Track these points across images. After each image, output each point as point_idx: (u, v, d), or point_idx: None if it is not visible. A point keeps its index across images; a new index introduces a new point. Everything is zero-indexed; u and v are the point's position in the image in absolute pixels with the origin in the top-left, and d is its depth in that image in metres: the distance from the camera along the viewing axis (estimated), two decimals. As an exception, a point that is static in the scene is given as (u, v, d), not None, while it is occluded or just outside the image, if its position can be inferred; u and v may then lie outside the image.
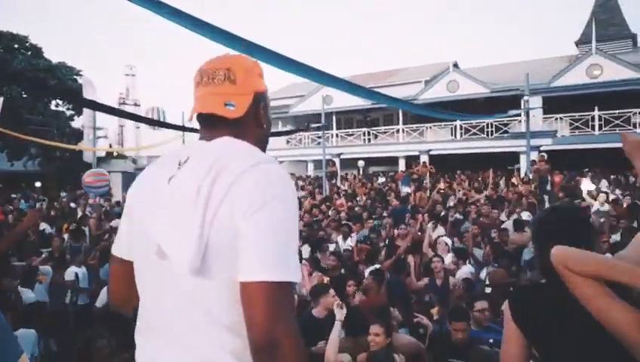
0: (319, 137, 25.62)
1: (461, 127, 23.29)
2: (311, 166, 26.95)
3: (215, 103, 1.26)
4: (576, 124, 20.78)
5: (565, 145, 20.24)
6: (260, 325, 1.01)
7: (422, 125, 24.30)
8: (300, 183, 21.32)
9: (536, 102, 19.86)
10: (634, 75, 19.51)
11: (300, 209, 12.67)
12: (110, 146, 33.34)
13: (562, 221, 1.93)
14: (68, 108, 27.12)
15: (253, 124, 1.32)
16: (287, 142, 27.83)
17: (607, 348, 1.73)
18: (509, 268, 6.03)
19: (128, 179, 24.04)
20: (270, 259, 1.05)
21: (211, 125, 1.28)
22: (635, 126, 19.87)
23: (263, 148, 1.34)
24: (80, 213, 12.55)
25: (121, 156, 26.15)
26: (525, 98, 18.07)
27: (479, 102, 22.54)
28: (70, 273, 6.43)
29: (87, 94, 17.77)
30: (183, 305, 1.13)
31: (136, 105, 51.43)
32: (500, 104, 20.72)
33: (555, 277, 1.85)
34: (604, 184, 16.24)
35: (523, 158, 20.55)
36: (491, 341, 3.86)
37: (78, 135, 29.71)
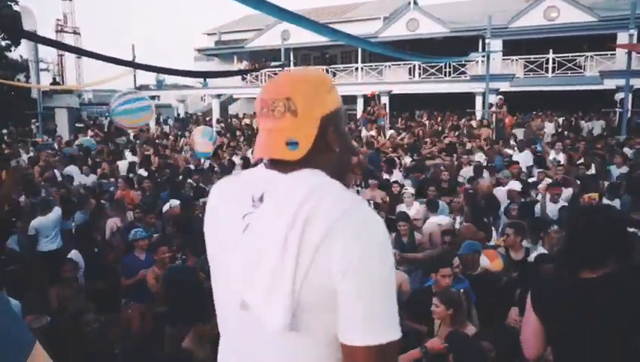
0: (275, 74, 24.87)
1: (420, 66, 23.20)
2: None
3: (275, 145, 1.13)
4: (531, 67, 21.10)
5: (522, 87, 20.60)
6: None
7: (381, 64, 24.03)
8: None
9: (496, 44, 19.92)
10: (590, 19, 19.78)
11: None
12: (54, 80, 31.34)
13: (601, 231, 1.92)
14: (3, 38, 25.01)
15: (323, 149, 1.17)
16: (243, 79, 26.98)
17: (621, 350, 1.82)
18: (480, 221, 6.14)
19: (74, 115, 22.87)
20: (376, 321, 1.00)
21: (277, 162, 1.15)
22: (584, 69, 20.38)
23: (343, 171, 1.22)
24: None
25: (65, 91, 24.61)
26: (487, 41, 18.04)
27: (438, 41, 22.41)
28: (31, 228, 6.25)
29: (27, 25, 16.37)
30: (270, 360, 1.09)
31: (75, 33, 47.94)
32: (460, 44, 20.67)
33: (582, 278, 1.91)
34: (549, 127, 16.75)
35: (479, 100, 20.86)
36: (462, 291, 4.07)
37: (14, 66, 27.66)
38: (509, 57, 21.43)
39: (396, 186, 7.66)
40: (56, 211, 6.47)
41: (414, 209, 6.86)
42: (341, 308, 1.01)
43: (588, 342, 1.88)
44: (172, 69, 8.18)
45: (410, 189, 7.44)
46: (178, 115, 29.09)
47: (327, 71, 25.71)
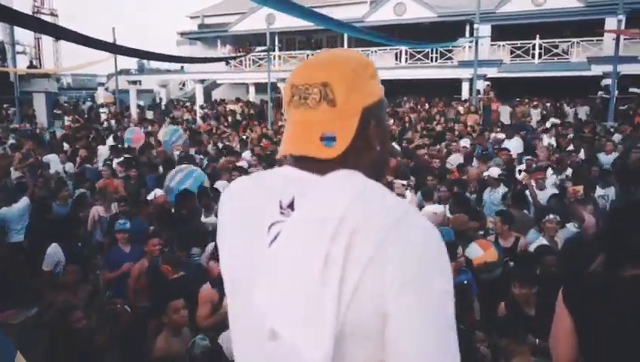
0: (261, 59, 24.55)
1: (406, 52, 22.99)
2: (252, 89, 25.97)
3: (308, 140, 0.97)
4: (518, 52, 21.03)
5: (509, 73, 20.54)
6: None
7: (367, 49, 23.74)
8: (240, 107, 20.64)
9: (484, 30, 19.77)
10: (577, 5, 19.72)
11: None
12: (31, 63, 30.47)
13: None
14: (-24, 20, 24.12)
15: (363, 147, 1.00)
16: (227, 63, 26.48)
17: None
18: (469, 210, 6.01)
19: (52, 100, 22.24)
20: (433, 352, 0.86)
21: (306, 160, 0.98)
22: (571, 55, 20.37)
23: (380, 173, 1.06)
24: None
25: (43, 75, 23.93)
26: (476, 26, 17.88)
27: (426, 26, 22.20)
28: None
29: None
30: None
31: (53, 14, 46.69)
32: (447, 29, 20.50)
33: (616, 273, 1.78)
34: (534, 113, 16.75)
35: (465, 86, 20.76)
36: (465, 282, 4.13)
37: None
38: (496, 43, 21.32)
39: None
40: (24, 201, 6.18)
41: (407, 198, 6.71)
42: (393, 334, 0.86)
43: (630, 349, 1.72)
44: (156, 53, 7.87)
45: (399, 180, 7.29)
46: (160, 100, 28.48)
47: (312, 56, 25.35)
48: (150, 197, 6.64)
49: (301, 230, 0.89)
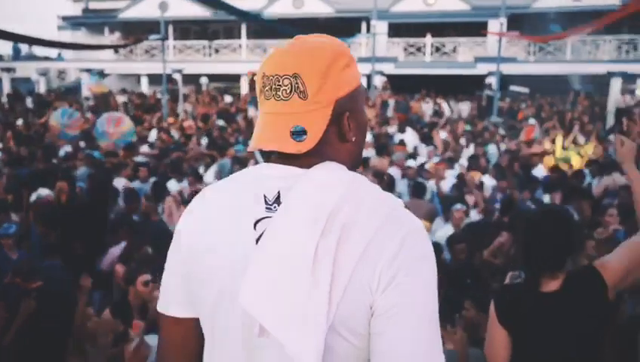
0: (154, 48, 23.28)
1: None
2: (145, 81, 24.56)
3: (278, 134, 0.94)
4: (411, 50, 21.97)
5: (404, 69, 21.37)
6: None
7: (266, 41, 23.50)
8: (127, 99, 19.39)
9: (381, 27, 20.38)
10: (463, 7, 21.01)
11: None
12: None
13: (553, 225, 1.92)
14: None
15: (336, 140, 0.98)
16: (116, 52, 24.81)
17: (581, 340, 1.86)
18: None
19: None
20: (422, 345, 0.85)
21: (282, 155, 0.96)
22: (457, 53, 21.69)
23: (356, 164, 1.04)
24: None
25: None
26: (373, 23, 18.37)
27: (323, 21, 22.41)
28: None
29: None
30: None
31: None
32: (345, 25, 20.87)
33: (535, 275, 1.91)
34: (427, 108, 17.61)
35: (362, 82, 21.19)
36: None
37: None
38: (392, 39, 22.09)
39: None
40: None
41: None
42: (381, 327, 0.86)
43: (553, 356, 1.88)
44: (37, 38, 7.04)
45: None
46: (38, 91, 25.90)
47: (210, 47, 24.62)
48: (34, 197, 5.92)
49: (289, 225, 0.87)
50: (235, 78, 24.31)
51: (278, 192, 0.93)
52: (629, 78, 19.00)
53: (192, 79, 23.16)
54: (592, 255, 3.48)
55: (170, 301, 1.04)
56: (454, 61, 21.44)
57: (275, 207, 0.92)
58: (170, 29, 24.10)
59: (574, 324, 1.85)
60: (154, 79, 22.49)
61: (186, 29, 26.69)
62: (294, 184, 0.91)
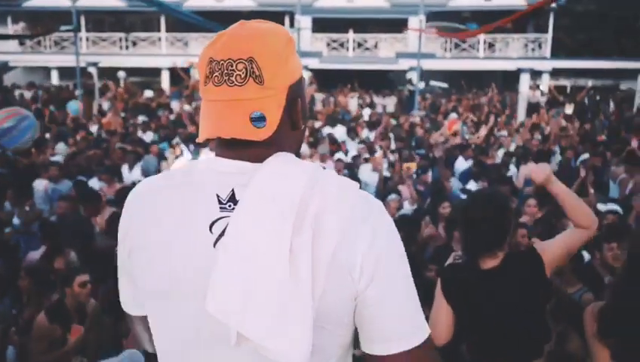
0: (65, 40, 21.88)
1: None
2: (55, 74, 23.01)
3: (236, 121, 0.88)
4: (334, 45, 22.20)
5: (329, 64, 21.53)
6: None
7: (187, 34, 22.80)
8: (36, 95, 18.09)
9: (306, 21, 20.39)
10: (383, 4, 21.51)
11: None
12: None
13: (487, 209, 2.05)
14: None
15: (289, 127, 0.95)
16: (22, 44, 23.05)
17: (521, 314, 1.99)
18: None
19: None
20: (407, 323, 0.89)
21: (233, 144, 0.91)
22: (379, 49, 22.19)
23: (297, 154, 1.00)
24: None
25: None
26: (297, 17, 18.34)
27: (246, 14, 22.08)
28: None
29: None
30: None
31: None
32: (268, 20, 20.49)
33: (475, 256, 2.06)
34: (352, 103, 17.93)
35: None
36: None
37: None
38: (316, 34, 22.18)
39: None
40: None
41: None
42: (366, 317, 0.88)
43: (496, 327, 2.00)
44: None
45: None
46: None
47: (126, 39, 23.50)
48: None
49: (254, 223, 0.81)
50: (156, 73, 23.40)
51: (232, 190, 0.88)
52: (535, 75, 20.38)
53: (108, 73, 21.98)
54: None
55: (126, 301, 1.06)
56: (376, 56, 21.92)
57: (230, 206, 0.87)
58: (83, 20, 22.77)
59: (513, 297, 1.99)
60: (66, 73, 21.18)
61: (100, 21, 25.28)
62: (250, 180, 0.86)
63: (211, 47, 0.92)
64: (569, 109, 15.68)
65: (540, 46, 21.14)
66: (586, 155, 7.99)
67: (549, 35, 20.76)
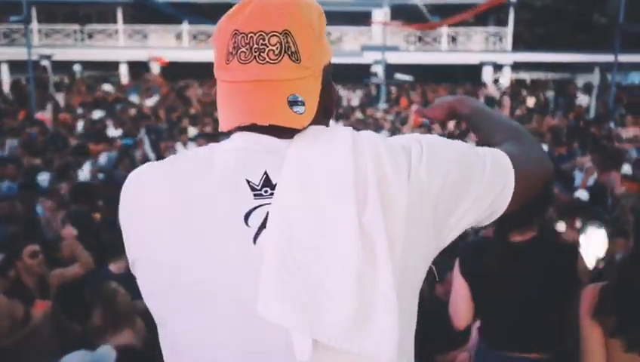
0: (15, 32, 20.87)
1: (188, 32, 22.08)
2: (5, 68, 21.91)
3: (274, 104, 0.74)
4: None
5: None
6: None
7: (145, 26, 22.12)
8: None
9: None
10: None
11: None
12: None
13: None
14: None
15: (321, 114, 0.81)
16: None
17: (543, 302, 1.91)
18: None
19: None
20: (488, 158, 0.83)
21: (260, 129, 0.76)
22: (343, 42, 22.12)
23: None
24: None
25: None
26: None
27: (206, 6, 21.60)
28: None
29: None
30: None
31: None
32: (226, 9, 20.23)
33: (502, 236, 1.95)
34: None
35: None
36: None
37: None
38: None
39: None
40: None
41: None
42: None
43: (516, 307, 1.92)
44: None
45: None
46: None
47: (81, 31, 22.61)
48: None
49: (305, 206, 0.69)
50: (114, 66, 22.62)
51: (265, 172, 0.73)
52: (497, 68, 20.73)
53: (63, 66, 21.08)
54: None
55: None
56: (341, 50, 21.83)
57: (267, 192, 0.72)
58: (34, 10, 21.75)
59: (534, 278, 1.91)
60: (17, 66, 20.16)
61: (53, 12, 24.20)
62: (284, 158, 0.73)
63: (232, 18, 0.77)
64: (530, 102, 16.04)
65: (500, 40, 21.50)
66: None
67: (510, 29, 21.13)
